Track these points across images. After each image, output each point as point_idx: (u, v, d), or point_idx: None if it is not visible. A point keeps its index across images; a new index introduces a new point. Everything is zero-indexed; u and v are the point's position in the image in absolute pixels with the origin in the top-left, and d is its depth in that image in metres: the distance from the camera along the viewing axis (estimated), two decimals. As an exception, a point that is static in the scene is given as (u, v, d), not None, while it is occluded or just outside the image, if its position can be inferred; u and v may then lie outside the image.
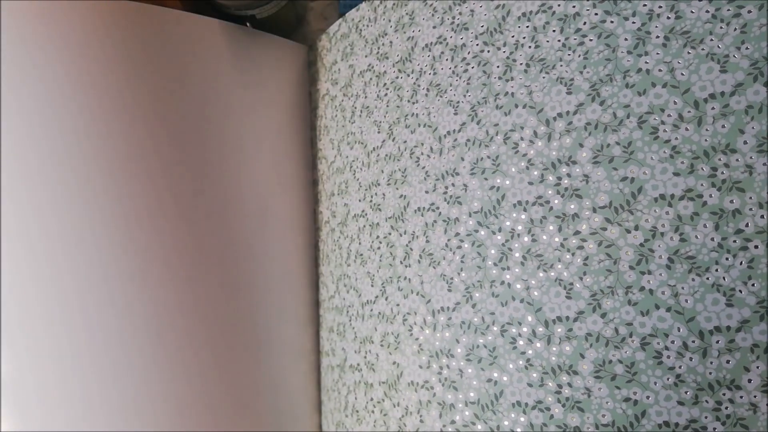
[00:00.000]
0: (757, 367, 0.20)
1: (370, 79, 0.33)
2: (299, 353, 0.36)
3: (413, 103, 0.29)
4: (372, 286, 0.31)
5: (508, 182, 0.24)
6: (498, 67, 0.26)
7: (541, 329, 0.23)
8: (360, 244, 0.32)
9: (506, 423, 0.23)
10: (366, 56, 0.33)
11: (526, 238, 0.24)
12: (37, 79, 0.27)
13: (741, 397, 0.20)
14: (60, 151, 0.27)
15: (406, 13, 0.30)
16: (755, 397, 0.20)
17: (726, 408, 0.20)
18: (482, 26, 0.26)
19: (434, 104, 0.28)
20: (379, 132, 0.31)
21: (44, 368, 0.27)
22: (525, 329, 0.23)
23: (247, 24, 0.38)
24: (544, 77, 0.24)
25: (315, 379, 0.37)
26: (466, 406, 0.25)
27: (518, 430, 0.23)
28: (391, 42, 0.31)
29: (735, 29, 0.20)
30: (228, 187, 0.33)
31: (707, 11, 0.21)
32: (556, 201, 0.23)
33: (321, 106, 0.37)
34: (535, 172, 0.24)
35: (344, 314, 0.33)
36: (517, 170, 0.24)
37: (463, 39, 0.27)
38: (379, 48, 0.32)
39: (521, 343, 0.23)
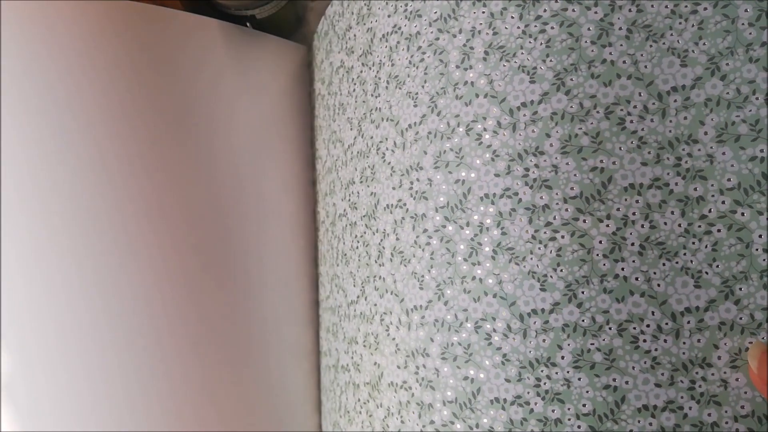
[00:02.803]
0: (725, 344, 0.21)
1: (343, 75, 0.31)
2: (299, 353, 0.36)
3: (376, 97, 0.28)
4: (354, 286, 0.29)
5: (473, 175, 0.24)
6: (454, 55, 0.25)
7: (516, 323, 0.22)
8: (344, 243, 0.30)
9: (485, 420, 0.23)
10: (338, 52, 0.31)
11: (495, 232, 0.23)
12: (37, 78, 0.27)
13: (712, 374, 0.21)
14: (59, 151, 0.27)
15: (365, 4, 0.29)
16: (725, 373, 0.21)
17: (700, 386, 0.21)
18: (435, 12, 0.25)
19: (394, 97, 0.27)
20: (351, 129, 0.30)
21: (44, 368, 0.27)
22: (499, 324, 0.23)
23: (247, 24, 0.38)
24: (504, 65, 0.23)
25: (315, 379, 0.37)
26: (443, 405, 0.24)
27: (498, 427, 0.23)
28: (355, 35, 0.30)
29: (693, 25, 0.21)
30: (228, 186, 0.33)
31: (666, 6, 0.21)
32: (524, 192, 0.23)
33: (316, 105, 0.36)
34: (501, 164, 0.23)
35: (336, 314, 0.31)
36: (482, 162, 0.24)
37: (417, 27, 0.26)
38: (347, 42, 0.30)
39: (496, 338, 0.23)
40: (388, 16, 0.27)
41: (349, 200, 0.30)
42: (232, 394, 0.31)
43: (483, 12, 0.24)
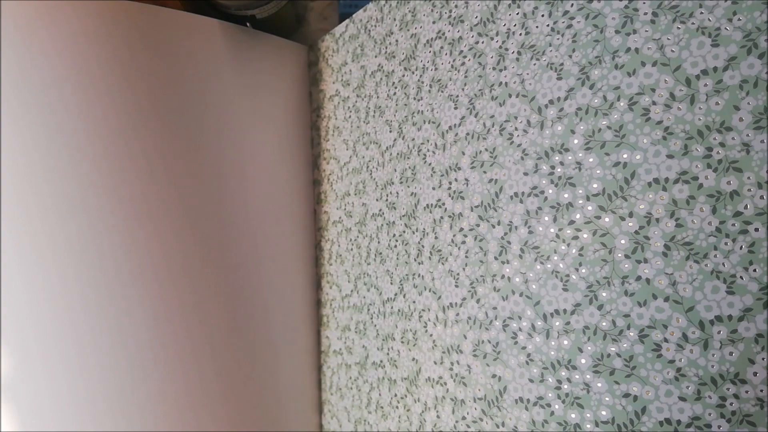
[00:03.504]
0: (763, 359, 0.18)
1: (381, 79, 0.33)
2: (300, 353, 0.36)
3: (418, 100, 0.29)
4: (391, 283, 0.31)
5: (504, 174, 0.24)
6: (492, 57, 0.25)
7: (539, 323, 0.22)
8: (379, 242, 0.33)
9: (510, 420, 0.23)
10: (376, 56, 0.33)
11: (523, 231, 0.23)
12: (37, 78, 0.27)
13: (746, 391, 0.18)
14: (59, 151, 0.27)
15: (409, 11, 0.31)
16: (761, 391, 0.18)
17: (731, 404, 0.19)
18: (476, 17, 0.26)
19: (437, 100, 0.28)
20: (390, 131, 0.32)
21: (44, 368, 0.27)
22: (525, 323, 0.23)
23: (247, 24, 0.38)
24: (534, 64, 0.23)
25: (315, 379, 0.37)
26: (474, 402, 0.25)
27: (521, 427, 0.23)
28: (396, 41, 0.32)
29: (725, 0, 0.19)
30: (228, 186, 0.33)
31: (696, -18, 0.19)
32: (550, 191, 0.22)
33: (329, 106, 0.38)
34: (530, 162, 0.23)
35: (364, 312, 0.33)
36: (513, 161, 0.24)
37: (460, 32, 0.27)
38: (386, 47, 0.32)
39: (521, 337, 0.23)
40: (433, 22, 0.28)
41: (387, 200, 0.32)
42: (232, 394, 0.32)
43: (517, 13, 0.24)
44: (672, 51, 0.20)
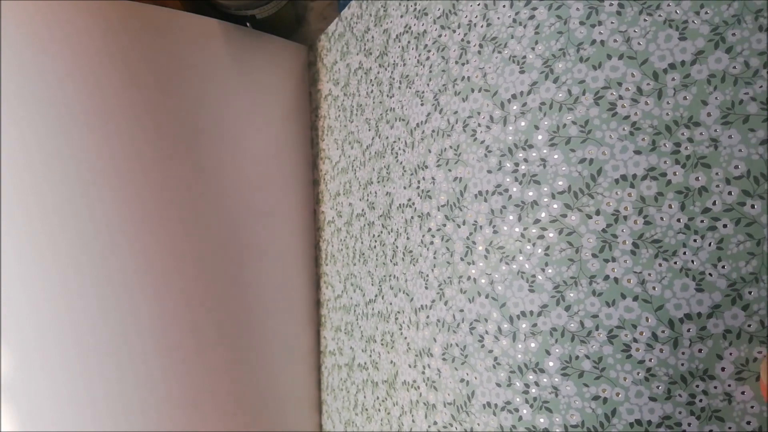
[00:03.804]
0: (730, 354, 0.18)
1: (361, 76, 0.32)
2: (299, 353, 0.36)
3: (390, 97, 0.28)
4: (372, 284, 0.30)
5: (468, 172, 0.23)
6: (454, 51, 0.24)
7: (506, 325, 0.22)
8: (362, 243, 0.31)
9: (478, 425, 0.22)
10: (357, 54, 0.32)
11: (488, 230, 0.22)
12: (37, 78, 0.27)
13: (715, 387, 0.18)
14: (60, 151, 0.27)
15: (381, 6, 0.29)
16: (729, 386, 0.18)
17: (700, 401, 0.18)
18: (439, 9, 0.25)
19: (405, 96, 0.27)
20: (369, 130, 0.31)
21: (44, 368, 0.27)
22: (491, 326, 0.22)
23: (247, 24, 0.38)
24: (497, 57, 0.22)
25: (315, 379, 0.37)
26: (444, 407, 0.24)
27: (488, 432, 0.22)
28: (372, 37, 0.30)
29: (692, -9, 0.19)
30: (228, 186, 0.33)
31: (661, -27, 0.19)
32: (514, 189, 0.21)
33: (324, 106, 0.37)
34: (493, 160, 0.22)
35: (351, 313, 0.32)
36: (476, 159, 0.23)
37: (424, 25, 0.26)
38: (365, 44, 0.31)
39: (488, 340, 0.22)
40: (401, 16, 0.27)
41: (368, 200, 0.30)
42: (232, 394, 0.31)
43: (479, 4, 0.23)
44: (639, 44, 0.19)
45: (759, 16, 0.18)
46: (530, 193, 0.21)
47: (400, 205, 0.27)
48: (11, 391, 0.26)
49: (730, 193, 0.18)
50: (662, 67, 0.19)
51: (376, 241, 0.29)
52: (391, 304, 0.28)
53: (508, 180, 0.22)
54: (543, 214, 0.21)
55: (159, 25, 0.31)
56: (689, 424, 0.18)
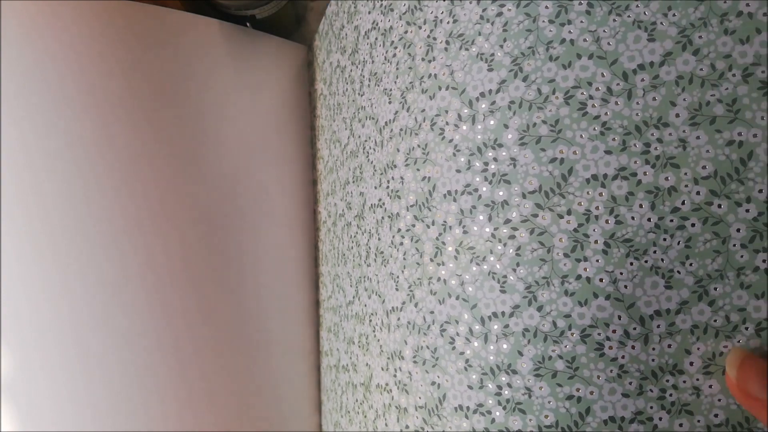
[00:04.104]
0: (698, 349, 0.19)
1: (339, 75, 0.30)
2: (299, 353, 0.36)
3: (361, 95, 0.27)
4: (350, 286, 0.29)
5: (437, 172, 0.23)
6: (420, 47, 0.24)
7: (477, 327, 0.21)
8: (343, 243, 0.30)
9: (450, 428, 0.22)
10: (335, 52, 0.31)
11: (457, 231, 0.22)
12: (37, 79, 0.27)
13: (684, 381, 0.19)
14: (59, 151, 0.27)
15: (352, 3, 0.28)
16: (697, 380, 0.19)
17: (670, 395, 0.19)
18: (404, 5, 0.24)
19: (374, 94, 0.26)
20: (345, 128, 0.29)
21: (44, 368, 0.27)
22: (462, 328, 0.22)
23: (247, 24, 0.38)
24: (464, 54, 0.22)
25: (315, 379, 0.37)
26: (416, 410, 0.23)
27: (460, 436, 0.22)
28: (346, 34, 0.29)
29: (660, -8, 0.19)
30: (228, 187, 0.33)
31: (630, -26, 0.19)
32: (484, 188, 0.21)
33: (318, 105, 0.36)
34: (462, 159, 0.22)
35: (337, 314, 0.31)
36: (445, 158, 0.22)
37: (390, 21, 0.25)
38: (341, 41, 0.30)
39: (459, 342, 0.22)
40: (369, 12, 0.26)
41: (346, 200, 0.30)
42: (232, 394, 0.31)
43: (444, 0, 0.23)
44: (608, 44, 0.19)
45: (724, 20, 0.18)
46: (500, 193, 0.21)
47: (371, 205, 0.26)
48: (11, 391, 0.26)
49: (698, 192, 0.18)
50: (632, 68, 0.19)
51: (353, 242, 0.29)
52: (365, 305, 0.27)
53: (477, 179, 0.21)
54: (514, 214, 0.21)
55: (159, 25, 0.31)
56: (660, 419, 0.19)
